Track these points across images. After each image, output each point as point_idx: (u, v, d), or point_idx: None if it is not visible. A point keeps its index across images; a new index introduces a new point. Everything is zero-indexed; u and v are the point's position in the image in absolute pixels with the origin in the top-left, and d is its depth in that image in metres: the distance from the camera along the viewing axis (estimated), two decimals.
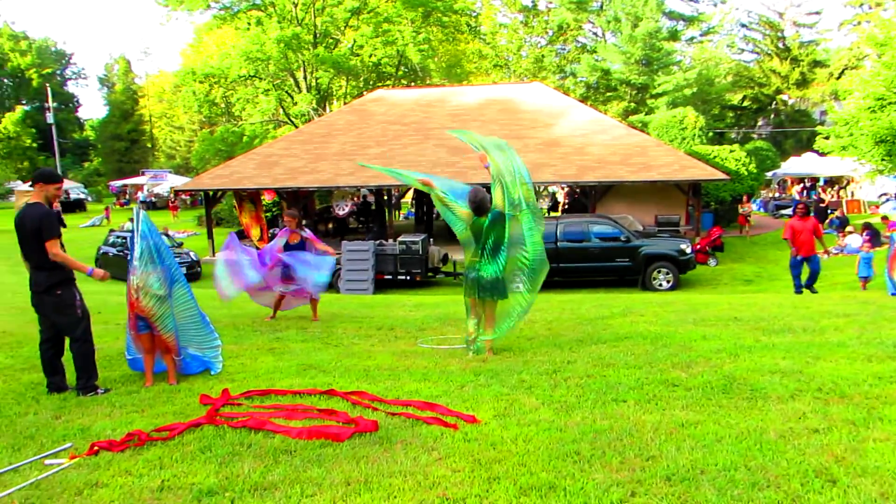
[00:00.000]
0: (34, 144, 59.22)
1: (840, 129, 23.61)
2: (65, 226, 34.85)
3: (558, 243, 16.06)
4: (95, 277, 5.42)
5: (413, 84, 38.26)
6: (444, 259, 17.94)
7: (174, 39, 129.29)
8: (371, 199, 26.66)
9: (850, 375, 5.01)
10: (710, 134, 33.76)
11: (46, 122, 54.83)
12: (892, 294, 10.82)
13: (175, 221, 35.97)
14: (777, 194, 37.08)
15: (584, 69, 41.96)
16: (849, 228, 21.26)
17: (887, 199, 31.34)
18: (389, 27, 36.67)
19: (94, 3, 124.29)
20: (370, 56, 37.84)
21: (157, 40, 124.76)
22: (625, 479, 3.34)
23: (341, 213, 23.49)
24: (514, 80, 43.45)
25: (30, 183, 5.36)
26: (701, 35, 46.73)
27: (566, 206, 27.54)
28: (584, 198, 21.54)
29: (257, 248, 9.30)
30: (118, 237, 20.75)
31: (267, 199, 25.42)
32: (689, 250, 16.02)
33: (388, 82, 38.97)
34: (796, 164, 35.06)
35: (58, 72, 68.71)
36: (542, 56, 47.00)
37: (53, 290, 5.25)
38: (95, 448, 3.96)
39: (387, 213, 23.53)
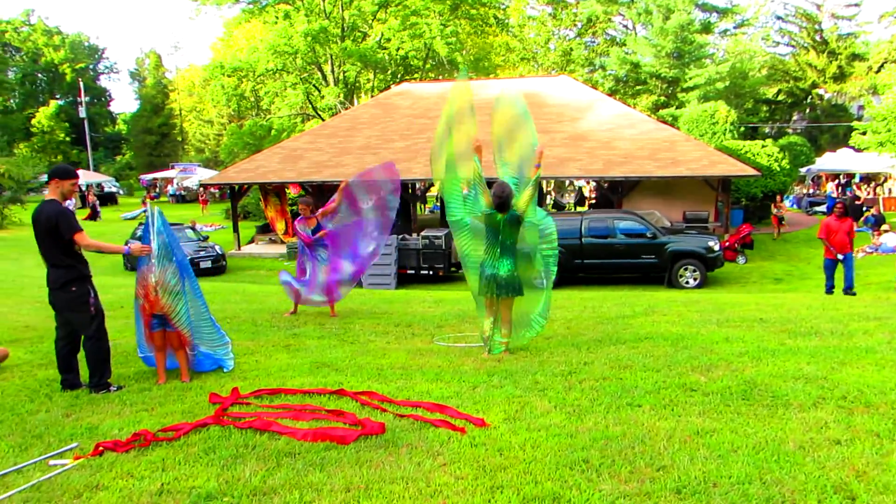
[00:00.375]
0: (67, 138, 60.30)
1: (878, 124, 23.04)
2: (99, 218, 35.45)
3: (583, 239, 15.87)
4: (135, 253, 5.41)
5: (441, 77, 38.14)
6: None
7: (204, 34, 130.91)
8: None
9: (876, 383, 4.82)
10: (743, 129, 33.14)
11: (79, 116, 55.67)
12: None
13: (204, 215, 36.34)
14: (811, 191, 36.30)
15: (613, 62, 41.46)
16: (884, 227, 20.67)
17: None
18: (417, 20, 36.59)
19: None
20: (397, 49, 37.81)
21: (187, 35, 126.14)
22: (633, 490, 3.22)
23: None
24: (542, 74, 43.08)
25: (45, 179, 5.37)
26: (735, 27, 45.89)
27: (593, 202, 27.26)
28: (612, 193, 21.27)
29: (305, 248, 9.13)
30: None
31: (292, 192, 25.55)
32: (717, 247, 15.72)
33: (415, 75, 38.91)
34: (831, 160, 34.26)
35: (90, 66, 69.67)
36: (571, 49, 46.56)
37: (68, 286, 5.26)
38: (100, 448, 3.94)
39: (411, 208, 23.48)
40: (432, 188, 28.26)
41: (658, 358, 5.81)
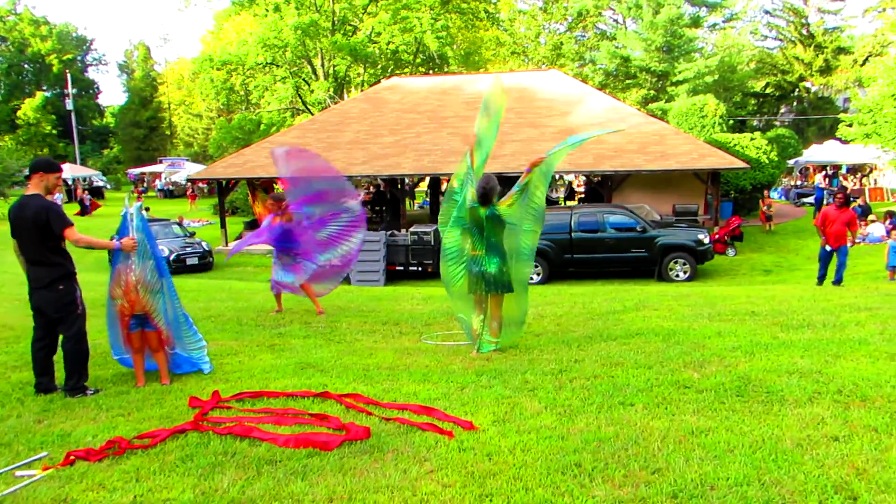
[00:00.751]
0: (54, 131, 59.48)
1: (864, 116, 23.02)
2: (90, 213, 34.98)
3: (573, 234, 15.76)
4: (126, 249, 5.23)
5: (431, 72, 37.91)
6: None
7: (194, 26, 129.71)
8: (385, 188, 26.45)
9: (871, 376, 4.73)
10: (732, 122, 33.12)
11: (66, 108, 54.90)
12: None
13: (192, 210, 36.02)
14: (799, 182, 36.37)
15: (603, 56, 41.29)
16: (871, 217, 20.71)
17: None
18: (407, 14, 36.29)
19: None
20: (388, 43, 37.50)
21: (176, 27, 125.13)
22: (627, 496, 3.10)
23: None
24: (532, 68, 42.93)
25: (27, 172, 5.18)
26: (723, 22, 45.82)
27: (582, 196, 27.15)
28: (601, 187, 21.17)
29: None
30: None
31: (280, 188, 25.29)
32: (706, 240, 15.65)
33: (405, 70, 38.63)
34: (818, 152, 34.31)
35: (78, 58, 68.63)
36: (561, 43, 46.37)
37: (54, 285, 5.09)
38: (71, 458, 3.77)
39: (400, 203, 23.29)
40: (421, 183, 28.08)
41: (650, 354, 5.71)
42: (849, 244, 11.43)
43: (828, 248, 11.44)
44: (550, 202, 28.31)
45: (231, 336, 7.60)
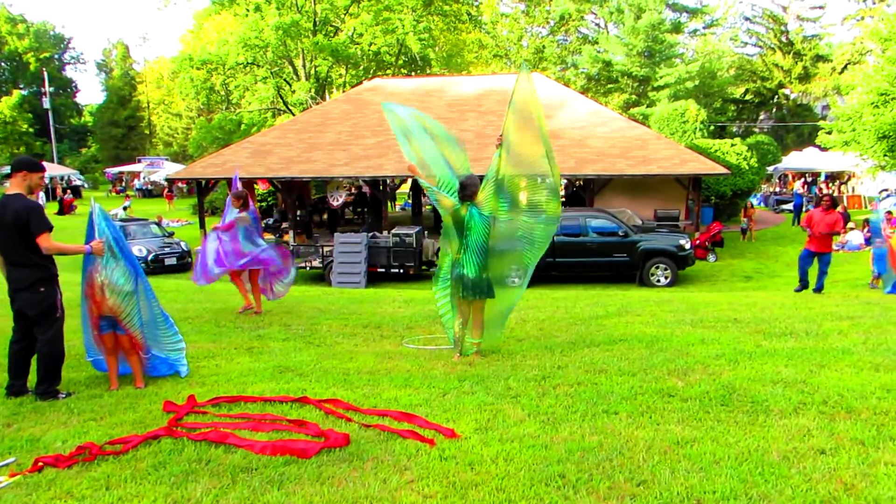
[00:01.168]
0: (31, 129, 58.48)
1: (842, 123, 23.29)
2: (63, 213, 34.50)
3: (555, 238, 15.71)
4: (96, 252, 5.08)
5: (413, 73, 37.80)
6: (439, 252, 17.62)
7: (174, 25, 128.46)
8: (367, 189, 26.30)
9: (856, 387, 4.70)
10: (712, 127, 33.37)
11: (43, 107, 54.20)
12: (889, 293, 10.47)
13: (170, 210, 35.60)
14: (778, 189, 36.73)
15: (585, 60, 41.51)
16: (850, 225, 20.92)
17: (888, 195, 31.00)
18: (390, 15, 36.16)
19: None
20: (370, 45, 37.33)
21: (156, 26, 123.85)
22: None
23: (335, 203, 23.13)
24: (515, 71, 42.94)
25: (8, 171, 5.02)
26: (704, 28, 46.30)
27: (563, 200, 27.19)
28: (583, 191, 21.19)
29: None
30: None
31: (261, 188, 25.08)
32: (688, 246, 15.70)
33: (388, 71, 38.49)
34: (797, 159, 34.70)
35: (56, 56, 67.90)
36: (543, 46, 46.51)
37: (35, 287, 4.94)
38: (40, 464, 3.64)
39: (382, 205, 23.16)
40: (403, 185, 27.95)
41: (633, 361, 5.65)
42: (834, 247, 11.24)
43: (810, 248, 11.19)
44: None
45: (209, 338, 7.46)
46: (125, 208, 32.18)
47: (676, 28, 41.10)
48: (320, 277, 17.27)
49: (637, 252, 15.52)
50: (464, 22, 42.20)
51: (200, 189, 23.22)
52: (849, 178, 34.13)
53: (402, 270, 16.57)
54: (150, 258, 18.76)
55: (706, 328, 7.16)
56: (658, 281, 15.43)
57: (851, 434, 3.84)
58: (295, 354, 6.48)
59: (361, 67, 39.12)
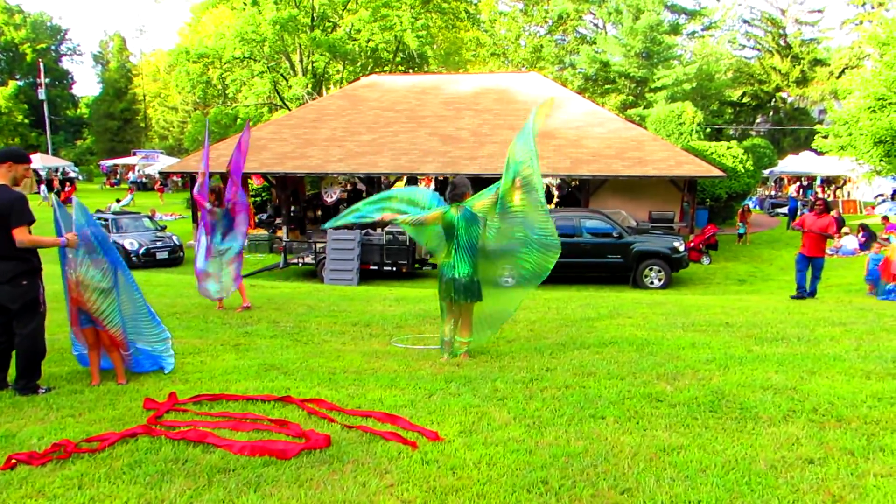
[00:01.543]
0: (26, 120, 58.35)
1: (839, 128, 23.25)
2: (71, 201, 34.34)
3: None
4: (71, 245, 4.98)
5: (411, 70, 37.68)
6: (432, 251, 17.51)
7: (171, 18, 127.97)
8: (362, 186, 26.18)
9: (847, 394, 4.65)
10: (709, 130, 33.35)
11: (39, 98, 53.96)
12: (882, 298, 10.45)
13: (163, 203, 35.44)
14: (773, 192, 36.78)
15: (583, 60, 41.43)
16: (844, 230, 20.91)
17: (883, 200, 31.07)
18: (388, 12, 36.02)
19: None
20: (367, 41, 37.21)
21: (153, 19, 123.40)
22: None
23: (329, 199, 23.02)
24: (512, 70, 42.89)
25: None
26: (702, 30, 46.25)
27: (558, 200, 27.11)
28: (578, 191, 21.14)
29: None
30: (99, 219, 20.27)
31: (255, 183, 24.95)
32: (682, 248, 15.64)
33: (385, 68, 38.37)
34: (793, 163, 34.73)
35: (52, 47, 67.59)
36: (541, 46, 46.45)
37: (18, 280, 4.85)
38: (13, 461, 3.56)
39: None
40: (398, 182, 27.85)
41: (623, 364, 5.59)
42: (828, 251, 11.16)
43: (804, 253, 11.11)
44: None
45: (195, 334, 7.38)
46: (129, 202, 32.15)
47: (675, 30, 41.08)
48: (312, 274, 17.17)
49: (631, 253, 15.46)
50: (462, 20, 42.12)
51: (194, 183, 23.08)
52: (844, 183, 34.20)
53: (395, 268, 16.48)
54: (141, 251, 18.64)
55: (697, 332, 7.10)
56: (651, 283, 15.38)
57: (841, 444, 3.78)
58: (281, 352, 6.41)
59: (359, 64, 39.00)
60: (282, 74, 39.10)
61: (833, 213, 23.42)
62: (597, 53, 41.10)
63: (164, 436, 3.91)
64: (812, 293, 11.20)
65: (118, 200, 31.29)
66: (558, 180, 21.48)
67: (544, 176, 25.91)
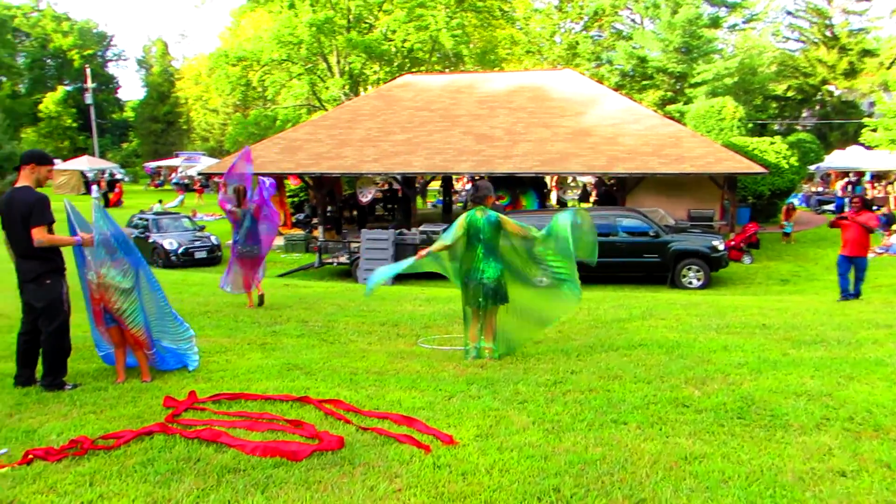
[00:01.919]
0: (74, 124, 60.21)
1: (889, 120, 22.50)
2: (108, 206, 35.28)
3: None
4: (86, 244, 5.06)
5: (447, 70, 37.64)
6: None
7: (212, 23, 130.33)
8: (397, 186, 26.26)
9: (887, 402, 4.40)
10: (751, 125, 32.54)
11: (86, 102, 55.44)
12: None
13: (201, 204, 36.05)
14: (820, 189, 35.70)
15: (619, 56, 40.79)
16: (894, 227, 20.17)
17: None
18: (423, 12, 36.03)
19: None
20: (403, 41, 37.29)
21: (194, 24, 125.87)
22: None
23: (364, 199, 23.11)
24: (547, 67, 42.50)
25: (19, 164, 5.06)
26: (744, 22, 45.07)
27: (595, 199, 26.78)
28: (615, 190, 20.81)
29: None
30: (140, 219, 20.71)
31: (292, 184, 25.20)
32: (721, 247, 15.26)
33: (421, 67, 38.40)
34: (841, 158, 33.64)
35: (99, 53, 69.39)
36: (577, 42, 45.85)
37: (41, 279, 4.98)
38: (29, 456, 3.60)
39: (411, 202, 23.09)
40: (433, 182, 27.84)
41: (650, 368, 5.43)
42: (870, 254, 10.67)
43: (844, 254, 10.69)
44: (563, 204, 28.01)
45: (224, 333, 7.44)
46: (179, 203, 33.32)
47: (715, 23, 40.11)
48: (347, 274, 17.24)
49: (668, 253, 15.14)
50: (496, 18, 41.89)
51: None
52: (895, 178, 33.01)
53: None
54: (180, 251, 18.97)
55: (731, 334, 6.88)
56: (690, 283, 15.05)
57: (877, 455, 3.56)
58: (306, 352, 6.41)
59: (395, 64, 39.10)
60: (319, 76, 39.42)
61: (883, 209, 22.67)
62: (634, 49, 40.41)
63: (178, 434, 3.92)
64: (857, 294, 10.77)
65: (160, 201, 31.91)
66: (594, 179, 21.19)
67: (580, 174, 25.67)
